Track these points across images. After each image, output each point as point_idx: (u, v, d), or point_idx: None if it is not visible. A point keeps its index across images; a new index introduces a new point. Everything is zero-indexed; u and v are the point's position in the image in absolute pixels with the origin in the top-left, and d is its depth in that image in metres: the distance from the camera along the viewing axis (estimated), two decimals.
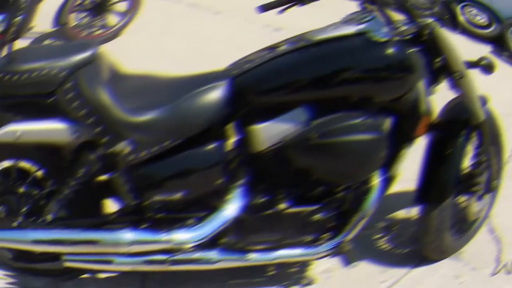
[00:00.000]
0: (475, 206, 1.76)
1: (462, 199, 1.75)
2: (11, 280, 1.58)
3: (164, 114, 1.20)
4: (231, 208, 1.28)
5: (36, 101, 1.24)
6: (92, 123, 1.18)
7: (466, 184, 1.63)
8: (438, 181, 1.53)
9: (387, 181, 1.41)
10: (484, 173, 1.67)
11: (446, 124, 1.56)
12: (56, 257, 1.43)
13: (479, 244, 1.88)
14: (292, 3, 1.32)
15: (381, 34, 1.26)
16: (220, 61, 3.12)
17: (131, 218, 1.31)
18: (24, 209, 1.38)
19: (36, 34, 3.36)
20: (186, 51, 3.36)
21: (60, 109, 1.22)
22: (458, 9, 4.85)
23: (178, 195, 1.25)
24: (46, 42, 3.29)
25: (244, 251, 1.35)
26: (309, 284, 1.61)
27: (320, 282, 1.62)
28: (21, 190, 1.38)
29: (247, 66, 1.28)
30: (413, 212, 1.88)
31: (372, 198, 1.39)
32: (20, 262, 1.54)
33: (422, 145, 1.56)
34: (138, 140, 1.19)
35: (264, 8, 1.35)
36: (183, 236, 1.27)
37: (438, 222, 1.58)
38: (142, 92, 1.29)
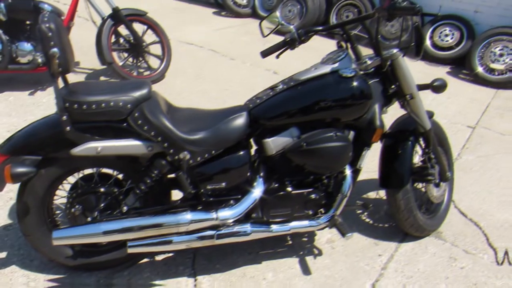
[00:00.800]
0: (435, 192, 2.33)
1: (420, 185, 2.33)
2: (63, 280, 1.87)
3: (208, 134, 1.76)
4: (256, 192, 1.84)
5: (108, 126, 1.63)
6: (160, 141, 1.68)
7: (420, 174, 2.19)
8: (395, 172, 2.10)
9: (355, 172, 2.00)
10: (435, 167, 2.24)
11: (396, 133, 2.16)
12: (118, 247, 1.85)
13: (457, 226, 2.44)
14: (284, 48, 1.95)
15: (348, 71, 1.82)
16: (239, 97, 3.93)
17: (189, 203, 1.84)
18: (101, 205, 1.77)
19: (86, 70, 4.20)
20: (216, 90, 4.09)
21: (132, 131, 1.64)
22: (427, 33, 5.44)
23: (221, 185, 1.83)
24: (102, 78, 4.05)
25: (268, 223, 1.91)
26: (318, 253, 2.15)
27: (326, 252, 2.17)
28: (101, 190, 1.78)
29: (257, 102, 1.88)
30: (381, 194, 2.53)
31: (347, 183, 1.97)
32: (79, 259, 1.85)
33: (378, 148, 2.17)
34: (193, 151, 1.73)
35: (264, 53, 1.99)
36: (225, 213, 1.80)
37: (404, 202, 2.13)
38: (190, 120, 1.80)
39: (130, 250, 1.76)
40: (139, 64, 4.12)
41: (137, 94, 1.64)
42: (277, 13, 2.10)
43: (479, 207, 2.61)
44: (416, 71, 2.54)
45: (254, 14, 7.13)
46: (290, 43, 1.94)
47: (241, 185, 1.87)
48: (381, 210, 2.47)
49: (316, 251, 2.17)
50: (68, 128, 1.59)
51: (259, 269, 2.03)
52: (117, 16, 3.80)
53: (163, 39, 4.18)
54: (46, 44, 1.52)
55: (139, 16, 4.02)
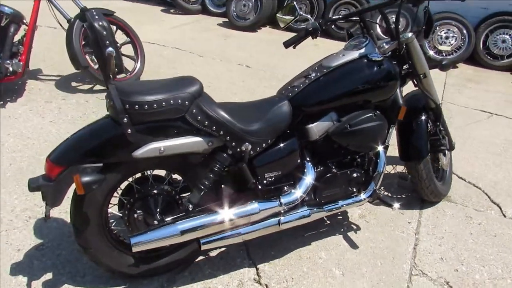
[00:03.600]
0: (444, 160, 2.57)
1: (434, 155, 2.56)
2: None
3: (263, 124, 1.78)
4: (308, 176, 1.91)
5: (167, 125, 1.57)
6: (222, 134, 1.66)
7: (434, 145, 2.41)
8: (415, 145, 2.29)
9: (385, 149, 2.15)
10: (445, 137, 2.47)
11: (410, 110, 2.29)
12: (177, 248, 1.80)
13: (460, 189, 2.71)
14: (304, 38, 2.03)
15: (377, 55, 1.96)
16: (224, 92, 3.92)
17: (252, 193, 1.83)
18: (159, 208, 1.71)
19: (53, 77, 3.87)
20: None
21: (189, 128, 1.60)
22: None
23: (277, 173, 1.86)
24: (73, 84, 3.78)
25: (321, 204, 1.98)
26: (357, 228, 2.28)
27: (362, 226, 2.30)
28: (162, 191, 1.72)
29: (295, 90, 1.92)
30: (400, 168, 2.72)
31: (381, 160, 2.11)
32: (141, 266, 1.78)
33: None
34: (253, 142, 1.74)
35: (286, 44, 2.06)
36: (288, 199, 1.83)
37: (426, 172, 2.33)
38: (238, 113, 1.77)
39: (204, 247, 1.73)
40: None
41: (192, 90, 1.60)
42: (294, 3, 2.18)
43: (472, 171, 2.92)
44: None
45: (204, 10, 7.09)
46: (312, 32, 2.03)
47: (292, 171, 1.92)
48: (402, 183, 2.65)
49: (354, 227, 2.29)
50: (129, 130, 1.51)
51: (311, 250, 2.10)
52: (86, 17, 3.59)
53: (134, 39, 4.02)
54: (102, 43, 1.44)
55: (107, 15, 3.80)
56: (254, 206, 1.78)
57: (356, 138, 1.94)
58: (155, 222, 1.69)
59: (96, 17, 1.42)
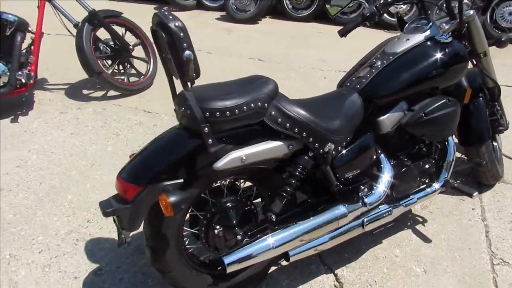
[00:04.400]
0: (499, 140, 2.47)
1: (492, 136, 2.46)
2: None
3: (343, 122, 1.63)
4: (386, 172, 1.79)
5: (245, 131, 1.42)
6: (305, 136, 1.50)
7: (493, 126, 2.29)
8: (476, 128, 2.16)
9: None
10: (502, 117, 2.37)
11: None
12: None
13: (510, 168, 2.62)
14: (359, 24, 1.89)
15: (445, 37, 1.81)
16: None
17: (327, 197, 1.69)
18: (238, 221, 1.56)
19: (61, 86, 3.67)
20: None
21: (270, 132, 1.45)
22: None
23: (356, 171, 1.71)
24: (84, 91, 3.57)
25: (398, 199, 1.86)
26: (423, 221, 2.17)
27: (428, 217, 2.19)
28: (234, 204, 1.57)
29: (363, 81, 1.76)
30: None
31: (451, 147, 2.00)
32: (220, 285, 1.65)
33: None
34: (335, 141, 1.59)
35: (342, 33, 1.92)
36: (371, 199, 1.70)
37: (488, 155, 2.23)
38: (316, 110, 1.58)
39: (293, 259, 1.60)
40: (126, 70, 3.72)
41: (268, 90, 1.44)
42: None
43: None
44: None
45: (198, 5, 6.87)
46: (370, 18, 1.89)
47: (368, 168, 1.79)
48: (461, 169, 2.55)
49: (419, 219, 2.18)
50: (210, 140, 1.35)
51: (385, 248, 1.98)
52: (95, 20, 3.37)
53: (144, 40, 3.82)
54: (179, 47, 1.27)
55: (115, 17, 3.62)
56: (341, 210, 1.64)
57: (432, 126, 1.81)
58: (238, 237, 1.54)
59: (170, 17, 1.26)
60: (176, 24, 1.24)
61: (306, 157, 1.56)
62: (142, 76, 3.75)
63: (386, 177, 1.78)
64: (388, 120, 1.79)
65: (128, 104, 3.46)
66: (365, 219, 1.73)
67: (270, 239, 1.50)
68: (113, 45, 3.58)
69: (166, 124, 3.12)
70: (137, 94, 3.63)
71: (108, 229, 2.05)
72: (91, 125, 3.09)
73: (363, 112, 1.72)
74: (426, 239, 2.04)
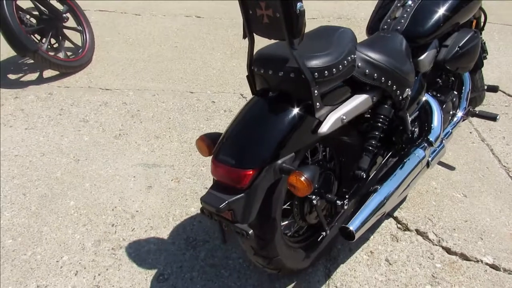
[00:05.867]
0: None
1: None
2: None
3: (408, 64, 1.55)
4: (435, 110, 1.75)
5: (339, 87, 1.31)
6: (389, 84, 1.43)
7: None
8: None
9: None
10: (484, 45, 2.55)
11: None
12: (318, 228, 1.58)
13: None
14: None
15: None
16: (191, 49, 3.42)
17: (407, 142, 1.68)
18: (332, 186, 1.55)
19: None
20: (166, 48, 3.56)
21: (355, 85, 1.36)
22: None
23: (417, 112, 1.75)
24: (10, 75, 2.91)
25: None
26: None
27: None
28: (327, 167, 1.52)
29: (402, 22, 1.72)
30: None
31: (467, 79, 2.11)
32: (311, 256, 1.57)
33: None
34: (410, 84, 1.54)
35: None
36: (433, 137, 1.68)
37: (480, 81, 2.38)
38: (385, 53, 1.47)
39: (384, 210, 1.54)
40: (60, 44, 3.12)
41: (352, 41, 1.32)
42: None
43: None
44: None
45: None
46: None
47: (425, 108, 1.80)
48: None
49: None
50: (318, 104, 1.20)
51: (423, 183, 2.07)
52: None
53: (74, 6, 3.22)
54: None
55: None
56: (420, 152, 1.62)
57: (466, 58, 1.86)
58: (338, 202, 1.43)
59: None
60: None
61: (386, 106, 1.50)
62: (80, 50, 3.19)
63: (437, 114, 1.81)
64: (427, 58, 1.79)
65: (77, 84, 2.95)
66: (429, 159, 1.76)
67: (378, 196, 1.44)
68: (39, 16, 2.95)
69: (137, 101, 2.75)
70: (81, 71, 3.11)
71: (141, 228, 1.78)
72: (46, 115, 2.57)
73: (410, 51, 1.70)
74: (450, 167, 2.17)
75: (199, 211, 1.84)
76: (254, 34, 1.22)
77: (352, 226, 1.34)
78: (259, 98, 1.26)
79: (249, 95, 2.83)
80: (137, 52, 3.48)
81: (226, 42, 3.68)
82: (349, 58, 1.26)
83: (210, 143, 1.29)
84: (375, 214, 1.42)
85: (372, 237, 1.77)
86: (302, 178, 1.12)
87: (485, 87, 2.30)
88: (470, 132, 2.46)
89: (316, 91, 1.18)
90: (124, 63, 3.27)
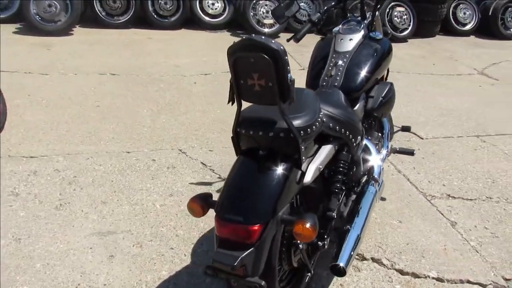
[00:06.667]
0: None
1: None
2: None
3: (354, 115, 1.93)
4: (374, 152, 2.11)
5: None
6: (347, 134, 1.65)
7: None
8: None
9: None
10: None
11: None
12: None
13: None
14: (308, 30, 2.15)
15: (376, 34, 2.18)
16: (114, 109, 3.52)
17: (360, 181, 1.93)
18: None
19: None
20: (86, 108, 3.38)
21: (321, 137, 1.55)
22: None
23: (364, 155, 2.01)
24: None
25: None
26: None
27: None
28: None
29: (338, 79, 1.96)
30: None
31: (386, 121, 2.53)
32: None
33: None
34: (361, 133, 1.86)
35: (297, 38, 2.13)
36: (377, 175, 1.96)
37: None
38: (339, 107, 1.70)
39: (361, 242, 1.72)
40: None
41: (316, 101, 1.53)
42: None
43: None
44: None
45: None
46: (317, 23, 2.15)
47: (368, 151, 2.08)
48: None
49: None
50: (303, 158, 1.37)
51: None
52: None
53: None
54: (285, 69, 1.25)
55: None
56: (372, 189, 1.87)
57: (389, 106, 2.23)
58: (319, 243, 1.57)
59: (272, 40, 1.17)
60: (281, 47, 1.19)
61: (345, 153, 1.72)
62: None
63: (375, 154, 2.11)
64: (360, 108, 2.10)
65: None
66: (377, 193, 2.02)
67: (354, 231, 1.62)
68: None
69: (70, 166, 2.59)
70: None
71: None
72: None
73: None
74: (382, 198, 2.49)
75: (171, 274, 1.82)
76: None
77: (342, 263, 1.50)
78: (249, 157, 1.38)
79: (188, 151, 2.89)
80: (56, 114, 3.30)
81: (149, 98, 3.70)
82: (320, 115, 1.46)
83: (203, 203, 1.35)
84: (356, 247, 1.60)
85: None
86: (308, 226, 1.24)
87: (400, 127, 2.73)
88: (388, 166, 2.87)
89: (302, 147, 1.34)
90: (43, 127, 3.07)
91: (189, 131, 3.18)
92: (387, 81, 2.31)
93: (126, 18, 5.99)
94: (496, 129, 3.50)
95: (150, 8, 6.05)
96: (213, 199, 1.37)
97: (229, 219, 1.24)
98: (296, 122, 1.33)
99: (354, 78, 2.03)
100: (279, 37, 6.15)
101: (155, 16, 6.12)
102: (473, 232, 2.24)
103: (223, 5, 6.38)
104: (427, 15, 6.52)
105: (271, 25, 6.07)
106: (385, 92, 2.19)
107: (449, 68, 5.15)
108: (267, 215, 1.26)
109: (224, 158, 2.80)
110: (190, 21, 6.37)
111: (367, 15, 2.31)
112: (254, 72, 1.23)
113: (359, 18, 2.32)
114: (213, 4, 6.33)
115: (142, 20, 6.14)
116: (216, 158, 2.81)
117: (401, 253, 2.06)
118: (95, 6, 5.80)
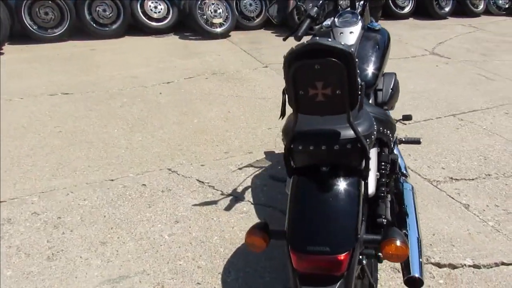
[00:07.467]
0: None
1: None
2: None
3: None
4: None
5: None
6: (385, 133, 1.55)
7: None
8: None
9: None
10: None
11: None
12: None
13: None
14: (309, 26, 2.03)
15: (374, 24, 2.10)
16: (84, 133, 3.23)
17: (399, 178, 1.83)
18: None
19: None
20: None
21: None
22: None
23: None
24: None
25: None
26: None
27: None
28: None
29: None
30: None
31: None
32: None
33: None
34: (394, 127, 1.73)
35: (298, 36, 2.00)
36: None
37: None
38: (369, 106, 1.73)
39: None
40: None
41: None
42: None
43: None
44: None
45: None
46: (316, 18, 2.03)
47: None
48: None
49: None
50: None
51: None
52: None
53: None
54: (356, 74, 1.12)
55: None
56: (408, 186, 1.80)
57: (396, 97, 2.16)
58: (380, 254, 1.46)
59: (343, 43, 1.07)
60: (352, 49, 1.04)
61: (384, 153, 1.62)
62: None
63: (397, 149, 2.05)
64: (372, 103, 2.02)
65: None
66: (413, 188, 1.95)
67: (413, 235, 1.53)
68: None
69: (50, 206, 2.24)
70: None
71: None
72: None
73: None
74: None
75: None
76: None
77: (416, 273, 1.39)
78: (310, 176, 1.22)
79: (178, 169, 2.63)
80: (12, 146, 2.86)
81: (116, 116, 3.35)
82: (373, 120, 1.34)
83: (264, 235, 1.18)
84: (421, 251, 1.50)
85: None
86: (399, 244, 1.11)
87: (401, 116, 2.69)
88: None
89: (369, 157, 1.21)
90: (2, 165, 2.64)
91: (172, 147, 2.92)
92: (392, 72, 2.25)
93: (62, 30, 5.46)
94: (467, 106, 3.63)
95: (88, 17, 5.58)
96: (270, 227, 1.20)
97: (312, 251, 1.08)
98: (360, 130, 1.20)
99: (366, 73, 1.94)
100: (229, 35, 5.97)
101: (94, 25, 5.65)
102: (487, 212, 2.27)
103: (166, 7, 6.05)
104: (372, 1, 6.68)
105: (221, 24, 5.86)
106: (392, 83, 2.13)
107: (402, 51, 5.30)
108: (352, 240, 1.11)
109: (220, 172, 2.60)
110: (133, 27, 5.98)
111: (357, 5, 2.24)
112: (319, 80, 1.07)
113: (349, 9, 2.25)
114: (155, 7, 5.98)
115: (80, 31, 5.64)
116: (211, 173, 2.59)
117: (431, 245, 2.02)
118: (24, 20, 5.21)
